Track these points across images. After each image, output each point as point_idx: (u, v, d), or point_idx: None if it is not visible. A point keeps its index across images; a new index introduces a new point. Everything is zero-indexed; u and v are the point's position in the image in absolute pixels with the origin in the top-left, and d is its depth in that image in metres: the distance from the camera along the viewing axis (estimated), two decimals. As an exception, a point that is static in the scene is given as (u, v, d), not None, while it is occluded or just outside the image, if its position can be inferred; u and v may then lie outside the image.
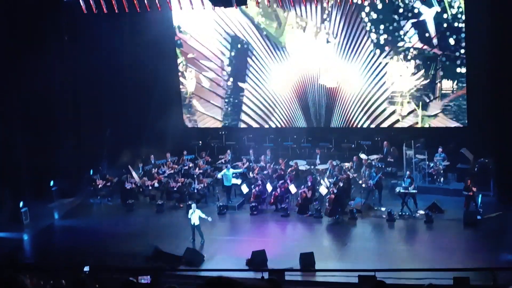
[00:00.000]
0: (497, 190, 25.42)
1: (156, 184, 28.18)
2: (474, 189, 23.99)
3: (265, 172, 27.81)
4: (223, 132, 32.41)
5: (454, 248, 21.60)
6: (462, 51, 27.44)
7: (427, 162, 27.28)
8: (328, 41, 29.49)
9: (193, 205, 23.37)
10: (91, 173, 29.40)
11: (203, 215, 23.03)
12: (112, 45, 29.47)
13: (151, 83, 30.75)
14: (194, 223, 22.86)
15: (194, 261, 21.14)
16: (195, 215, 22.84)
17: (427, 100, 28.59)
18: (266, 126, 31.63)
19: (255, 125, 31.86)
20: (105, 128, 30.65)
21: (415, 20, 27.86)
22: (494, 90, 25.10)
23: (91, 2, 25.54)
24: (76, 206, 28.36)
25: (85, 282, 9.84)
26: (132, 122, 30.60)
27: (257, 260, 20.51)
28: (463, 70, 27.60)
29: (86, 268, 17.21)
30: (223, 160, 29.45)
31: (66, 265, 19.79)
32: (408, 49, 28.34)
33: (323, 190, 25.75)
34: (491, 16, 24.46)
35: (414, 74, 28.50)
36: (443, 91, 28.30)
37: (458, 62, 27.67)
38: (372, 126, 29.92)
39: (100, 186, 28.46)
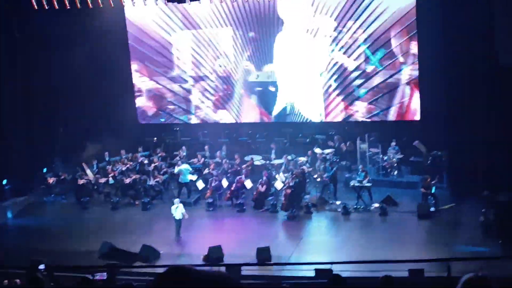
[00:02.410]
0: (450, 182, 25.76)
1: (111, 181, 27.99)
2: (433, 182, 24.39)
3: (221, 167, 27.81)
4: (177, 128, 32.27)
5: (409, 240, 21.84)
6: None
7: (381, 156, 27.56)
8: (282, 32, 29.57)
9: (176, 200, 23.34)
10: (45, 171, 29.06)
11: (183, 211, 23.10)
12: (64, 42, 29.17)
13: (104, 80, 30.45)
14: (179, 218, 22.87)
15: (150, 257, 21.06)
16: (179, 210, 22.81)
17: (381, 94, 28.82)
18: (221, 121, 31.58)
19: (209, 120, 31.77)
20: (58, 126, 30.36)
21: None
22: (445, 83, 25.40)
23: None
24: (30, 205, 28.04)
25: (40, 281, 9.72)
26: (85, 119, 30.30)
27: (214, 255, 20.52)
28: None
29: (41, 267, 17.03)
30: (178, 157, 29.34)
31: (21, 264, 19.53)
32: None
33: (278, 184, 25.82)
34: (442, 11, 24.73)
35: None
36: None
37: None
38: (326, 120, 30.03)
39: (52, 183, 28.17)
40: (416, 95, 27.92)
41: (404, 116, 28.48)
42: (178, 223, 23.11)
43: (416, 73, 27.70)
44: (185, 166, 27.20)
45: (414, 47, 27.53)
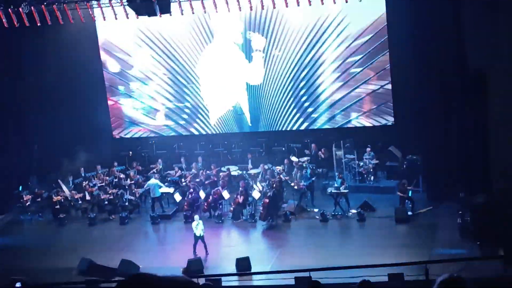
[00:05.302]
0: (426, 186, 25.89)
1: (88, 197, 27.82)
2: (409, 187, 24.53)
3: (198, 179, 27.76)
4: (153, 141, 32.19)
5: (387, 244, 21.92)
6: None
7: (357, 162, 27.64)
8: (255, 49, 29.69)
9: (196, 217, 23.01)
10: (20, 189, 28.82)
11: (202, 228, 22.57)
12: (36, 59, 29.05)
13: (78, 96, 30.37)
14: (200, 235, 22.52)
15: (129, 272, 20.92)
16: (199, 227, 22.53)
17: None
18: (196, 133, 31.60)
19: (184, 132, 31.77)
20: (32, 143, 30.18)
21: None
22: (418, 87, 25.58)
23: (12, 16, 25.15)
24: (6, 224, 27.85)
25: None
26: (59, 135, 30.12)
27: (194, 268, 20.47)
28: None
29: (18, 285, 16.92)
30: (154, 170, 29.26)
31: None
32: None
33: (256, 194, 25.82)
34: (413, 14, 24.90)
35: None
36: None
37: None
38: (301, 128, 30.17)
39: (28, 201, 27.96)
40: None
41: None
42: (197, 240, 22.57)
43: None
44: (154, 181, 27.12)
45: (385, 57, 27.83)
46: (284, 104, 30.09)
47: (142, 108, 31.99)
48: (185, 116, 31.60)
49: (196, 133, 31.64)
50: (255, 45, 29.78)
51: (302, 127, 30.17)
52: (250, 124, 30.92)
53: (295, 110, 29.99)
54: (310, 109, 29.74)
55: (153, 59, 31.11)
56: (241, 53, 30.07)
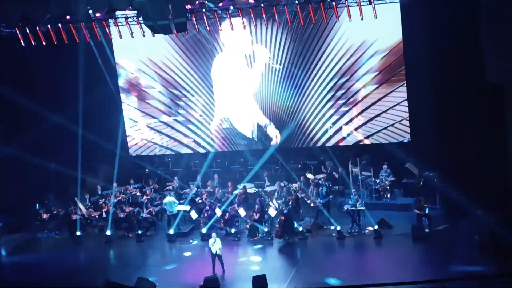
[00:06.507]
0: (443, 203, 25.77)
1: (104, 215, 27.88)
2: (426, 205, 24.42)
3: (214, 196, 27.75)
4: (169, 159, 32.27)
5: (405, 262, 21.78)
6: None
7: (373, 179, 27.55)
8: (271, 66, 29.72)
9: (213, 234, 22.93)
10: (37, 207, 28.91)
11: (220, 246, 22.41)
12: (53, 77, 29.22)
13: (94, 114, 30.47)
14: (216, 252, 22.42)
15: (146, 290, 20.90)
16: (216, 245, 22.45)
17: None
18: (212, 150, 31.62)
19: (200, 150, 31.82)
20: (50, 161, 30.28)
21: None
22: (434, 103, 25.49)
23: (29, 34, 25.36)
24: (24, 242, 27.90)
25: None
26: (76, 153, 30.22)
27: (210, 286, 20.38)
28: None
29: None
30: (170, 187, 29.32)
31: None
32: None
33: (272, 212, 25.77)
34: (430, 30, 24.86)
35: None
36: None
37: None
38: (317, 145, 30.11)
39: (45, 219, 28.05)
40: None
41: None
42: (214, 258, 22.50)
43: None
44: (169, 199, 27.15)
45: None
46: (302, 120, 30.07)
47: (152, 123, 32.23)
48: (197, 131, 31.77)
49: (211, 150, 31.67)
50: (258, 57, 29.94)
51: (318, 144, 30.11)
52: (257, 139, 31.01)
53: (311, 127, 29.97)
54: (326, 126, 29.70)
55: (157, 75, 31.29)
56: (248, 66, 30.28)
